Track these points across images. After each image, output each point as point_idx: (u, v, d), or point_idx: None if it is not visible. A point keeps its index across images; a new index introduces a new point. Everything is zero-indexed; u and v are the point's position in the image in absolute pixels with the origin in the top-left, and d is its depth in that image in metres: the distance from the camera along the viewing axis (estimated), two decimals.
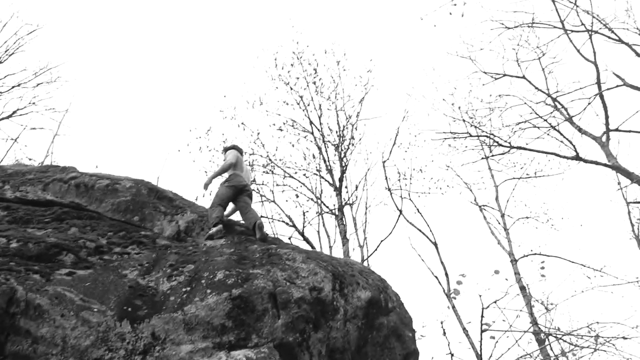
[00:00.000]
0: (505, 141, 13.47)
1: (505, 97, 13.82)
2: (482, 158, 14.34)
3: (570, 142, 12.07)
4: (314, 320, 3.98)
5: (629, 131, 12.94)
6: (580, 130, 13.68)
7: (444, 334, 6.64)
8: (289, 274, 4.10)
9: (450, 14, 9.94)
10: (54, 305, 3.45)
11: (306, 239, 14.39)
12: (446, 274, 14.82)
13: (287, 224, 14.48)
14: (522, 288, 15.16)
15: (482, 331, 6.56)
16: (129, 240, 4.49)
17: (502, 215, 17.14)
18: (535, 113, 12.89)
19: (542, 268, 9.96)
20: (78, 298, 3.59)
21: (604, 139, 13.13)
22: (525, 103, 13.15)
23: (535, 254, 16.16)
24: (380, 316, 4.69)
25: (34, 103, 17.17)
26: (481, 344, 6.66)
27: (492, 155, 13.99)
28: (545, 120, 12.62)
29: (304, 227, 14.40)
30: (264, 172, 15.61)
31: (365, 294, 4.55)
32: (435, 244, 15.50)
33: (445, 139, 14.38)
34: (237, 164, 5.68)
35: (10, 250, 3.89)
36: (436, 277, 14.37)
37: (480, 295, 6.08)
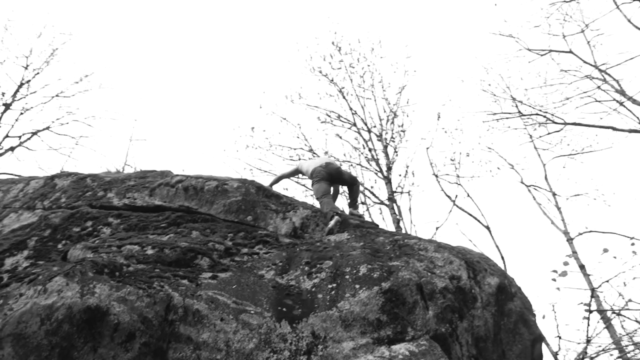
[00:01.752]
0: (559, 118, 13.23)
1: (562, 73, 13.54)
2: (538, 137, 14.09)
3: (634, 114, 11.79)
4: (459, 310, 3.91)
5: None
6: (634, 101, 13.35)
7: (555, 317, 6.52)
8: (426, 264, 4.03)
9: None
10: (212, 309, 3.43)
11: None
12: (502, 257, 14.61)
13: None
14: (582, 266, 14.92)
15: (589, 312, 6.43)
16: (252, 241, 4.47)
17: (554, 194, 16.82)
18: (598, 87, 12.60)
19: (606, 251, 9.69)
20: (231, 301, 3.56)
21: None
22: (578, 77, 12.85)
23: (590, 231, 15.87)
24: (508, 302, 4.61)
25: (71, 112, 17.24)
26: (588, 326, 6.53)
27: (548, 133, 13.74)
28: (606, 92, 12.34)
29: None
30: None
31: (494, 280, 4.47)
32: (488, 228, 15.28)
33: (497, 119, 14.17)
34: (298, 168, 6.42)
35: (150, 257, 3.88)
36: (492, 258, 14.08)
37: (589, 275, 5.93)
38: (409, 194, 15.45)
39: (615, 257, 7.25)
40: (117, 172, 6.60)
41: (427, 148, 15.71)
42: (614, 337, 11.26)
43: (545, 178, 17.03)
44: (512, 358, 4.52)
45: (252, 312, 3.55)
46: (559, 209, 16.35)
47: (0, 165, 16.16)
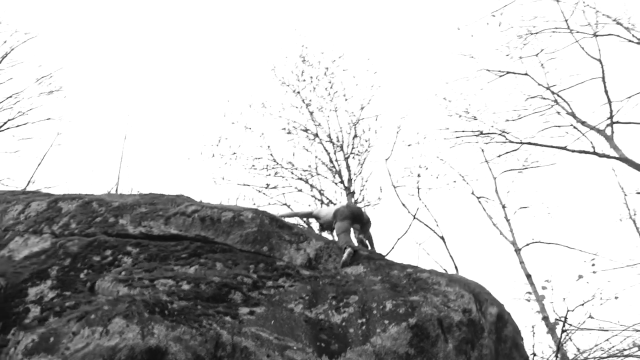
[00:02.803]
0: (516, 137, 14.12)
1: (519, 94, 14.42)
2: (498, 156, 14.94)
3: (587, 137, 12.76)
4: (471, 340, 4.36)
5: (634, 123, 13.64)
6: (583, 123, 14.37)
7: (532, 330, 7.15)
8: (441, 299, 4.46)
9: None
10: (258, 346, 3.73)
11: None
12: (455, 267, 15.39)
13: (306, 226, 14.72)
14: (528, 276, 15.83)
15: (563, 331, 7.09)
16: (274, 273, 4.77)
17: (503, 207, 17.75)
18: (551, 106, 13.53)
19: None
20: (273, 337, 3.87)
21: (608, 131, 13.82)
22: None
23: (536, 242, 16.90)
24: (504, 328, 5.11)
25: (25, 113, 16.76)
26: (560, 343, 7.19)
27: (506, 152, 14.61)
28: (559, 113, 13.30)
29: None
30: (268, 174, 15.77)
31: (494, 309, 4.96)
32: (442, 238, 16.04)
33: (458, 137, 14.93)
34: (314, 213, 6.99)
35: (190, 293, 4.12)
36: (445, 270, 14.90)
37: (564, 299, 6.59)
38: (370, 204, 15.94)
39: (587, 282, 7.99)
40: (118, 194, 6.68)
41: (387, 159, 16.27)
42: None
43: (496, 191, 17.97)
44: None
45: (294, 348, 3.86)
46: (507, 220, 17.30)
47: None
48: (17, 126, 16.19)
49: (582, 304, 7.07)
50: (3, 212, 6.39)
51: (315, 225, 7.68)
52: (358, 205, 6.90)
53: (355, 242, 6.01)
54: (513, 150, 13.84)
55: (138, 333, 3.53)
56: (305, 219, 7.96)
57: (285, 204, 15.39)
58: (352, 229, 6.07)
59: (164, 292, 4.22)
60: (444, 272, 5.23)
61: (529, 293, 12.81)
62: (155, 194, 6.13)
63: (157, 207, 5.74)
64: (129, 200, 6.02)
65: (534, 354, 7.30)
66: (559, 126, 13.58)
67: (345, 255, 5.22)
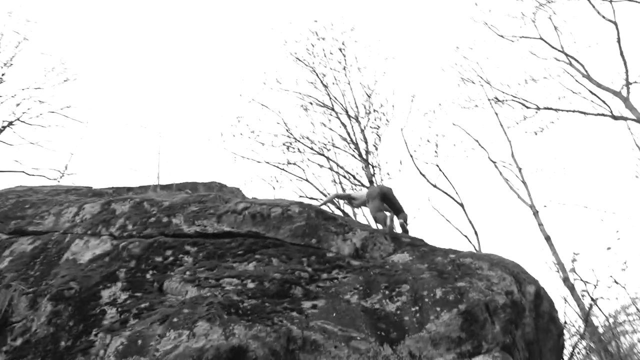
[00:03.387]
0: (533, 103, 14.29)
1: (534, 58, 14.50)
2: (516, 123, 15.12)
3: (604, 102, 12.93)
4: (514, 321, 4.74)
5: None
6: (599, 85, 14.49)
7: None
8: (485, 283, 4.83)
9: None
10: (326, 338, 4.13)
11: (345, 214, 15.10)
12: (475, 233, 15.76)
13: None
14: (547, 238, 16.19)
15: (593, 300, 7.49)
16: (327, 265, 5.15)
17: (519, 170, 17.99)
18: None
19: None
20: (337, 329, 4.27)
21: (624, 92, 13.96)
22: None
23: (554, 203, 17.18)
24: (541, 305, 5.48)
25: (43, 102, 16.99)
26: (588, 314, 7.60)
27: (525, 119, 14.80)
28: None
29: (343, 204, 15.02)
30: (286, 150, 16.06)
31: (532, 288, 5.33)
32: (461, 205, 16.40)
33: (475, 105, 15.12)
34: (351, 195, 7.77)
35: (257, 292, 4.51)
36: (465, 236, 15.30)
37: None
38: (388, 175, 16.27)
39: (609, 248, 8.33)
40: (165, 193, 7.03)
41: (402, 128, 16.50)
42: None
43: (512, 155, 18.23)
44: (546, 353, 5.44)
45: (358, 338, 4.26)
46: (524, 183, 17.60)
47: None
48: (37, 116, 16.49)
49: (611, 279, 7.42)
50: (57, 215, 6.78)
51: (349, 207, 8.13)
52: (386, 185, 7.47)
53: (395, 223, 6.39)
54: (531, 116, 14.00)
55: (221, 334, 3.93)
56: (342, 201, 8.33)
57: (306, 180, 15.74)
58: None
59: (233, 291, 4.60)
60: (483, 254, 5.58)
61: (555, 258, 13.13)
62: (203, 194, 6.48)
63: (207, 205, 6.09)
64: (177, 199, 6.37)
65: (565, 323, 7.72)
66: (573, 92, 13.72)
67: (388, 220, 5.67)
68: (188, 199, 6.31)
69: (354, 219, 6.42)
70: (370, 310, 4.67)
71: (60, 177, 14.33)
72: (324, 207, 7.19)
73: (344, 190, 14.64)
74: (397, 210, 6.68)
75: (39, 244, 6.33)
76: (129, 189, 9.27)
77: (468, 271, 5.06)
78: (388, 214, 6.65)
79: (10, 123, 16.59)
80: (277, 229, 5.69)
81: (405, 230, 6.30)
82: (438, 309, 4.54)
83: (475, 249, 15.06)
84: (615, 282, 8.29)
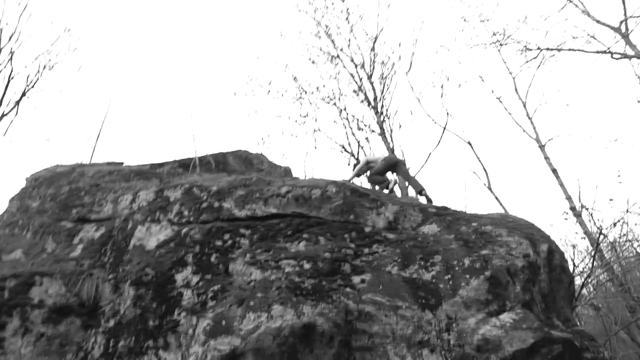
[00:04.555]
0: (534, 45, 14.71)
1: None
2: (520, 68, 15.58)
3: (598, 41, 13.36)
4: (532, 280, 5.62)
5: None
6: (597, 21, 14.87)
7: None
8: (505, 249, 5.68)
9: None
10: (377, 309, 5.03)
11: (358, 161, 15.86)
12: (484, 169, 16.60)
13: (342, 151, 15.83)
14: (554, 170, 17.04)
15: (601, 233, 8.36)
16: (366, 240, 5.98)
17: (524, 105, 18.58)
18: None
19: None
20: (385, 300, 5.15)
21: (622, 28, 14.37)
22: None
23: (558, 136, 17.93)
24: (553, 259, 6.36)
25: (51, 67, 17.36)
26: (597, 247, 8.49)
27: (527, 61, 15.25)
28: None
29: (358, 152, 15.79)
30: (297, 103, 16.64)
31: (545, 246, 6.18)
32: (469, 144, 17.15)
33: (476, 45, 15.54)
34: (371, 161, 8.93)
35: (313, 272, 5.37)
36: (474, 172, 16.14)
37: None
38: (399, 125, 16.88)
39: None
40: (210, 177, 7.78)
41: (407, 72, 16.99)
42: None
43: (515, 90, 18.77)
44: (559, 300, 6.37)
45: (403, 307, 5.16)
46: (529, 118, 18.25)
47: None
48: (51, 86, 16.91)
49: (617, 222, 8.27)
50: (114, 202, 7.58)
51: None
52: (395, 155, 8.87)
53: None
54: (533, 58, 14.47)
55: (294, 314, 4.82)
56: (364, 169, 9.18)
57: (318, 129, 16.38)
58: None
59: (293, 273, 5.47)
60: (500, 219, 6.39)
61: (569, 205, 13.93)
62: (243, 177, 7.22)
63: (252, 189, 6.87)
64: (223, 183, 7.14)
65: (574, 265, 8.67)
66: (576, 33, 14.06)
67: (391, 185, 6.67)
68: (233, 182, 7.07)
69: (384, 193, 7.21)
70: (410, 280, 5.55)
71: (91, 157, 14.99)
72: (356, 181, 8.03)
73: (358, 153, 15.37)
74: (408, 181, 7.58)
75: (104, 231, 7.17)
76: (161, 165, 10.04)
77: (490, 239, 5.89)
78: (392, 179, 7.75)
79: (24, 93, 17.06)
80: (318, 208, 6.48)
81: (429, 200, 7.16)
82: (467, 276, 5.41)
83: (486, 185, 15.90)
84: (611, 198, 9.17)
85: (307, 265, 5.61)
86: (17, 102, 16.76)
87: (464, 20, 17.15)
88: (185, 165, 9.80)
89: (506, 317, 5.18)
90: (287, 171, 10.88)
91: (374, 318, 5.08)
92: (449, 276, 5.47)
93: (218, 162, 9.99)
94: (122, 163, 10.84)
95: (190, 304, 5.60)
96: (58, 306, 5.88)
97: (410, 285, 5.47)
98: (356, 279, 5.49)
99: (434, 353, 4.99)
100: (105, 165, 10.37)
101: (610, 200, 9.65)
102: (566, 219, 14.20)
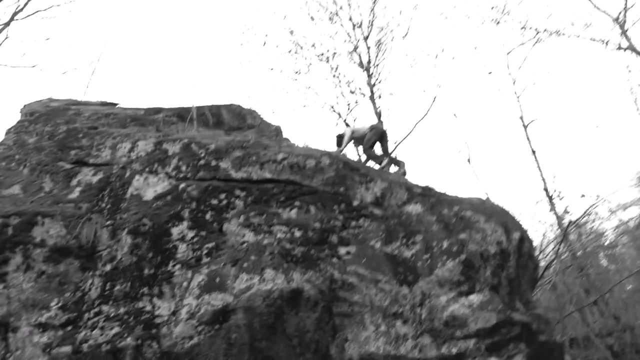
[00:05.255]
0: (535, 28, 14.98)
1: None
2: (517, 46, 15.81)
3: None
4: (501, 265, 6.17)
5: None
6: (597, 8, 15.15)
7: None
8: (481, 235, 6.20)
9: None
10: (359, 281, 5.56)
11: (347, 124, 16.17)
12: (466, 143, 17.13)
13: (332, 111, 16.09)
14: (533, 152, 17.58)
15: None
16: (354, 214, 6.42)
17: (513, 82, 18.95)
18: None
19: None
20: (367, 272, 5.67)
21: (621, 18, 14.70)
22: None
23: (541, 117, 18.45)
24: (523, 246, 6.91)
25: None
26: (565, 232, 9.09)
27: (522, 44, 15.52)
28: None
29: (347, 114, 16.07)
30: (291, 57, 16.71)
31: (517, 234, 6.72)
32: (455, 115, 17.59)
33: (478, 19, 15.73)
34: (355, 130, 9.45)
35: (304, 240, 5.83)
36: (457, 145, 16.73)
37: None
38: (388, 91, 17.07)
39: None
40: (208, 134, 8.04)
41: (404, 37, 17.15)
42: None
43: (507, 66, 19.10)
44: (523, 284, 6.96)
45: (383, 280, 5.66)
46: (517, 96, 18.68)
47: None
48: (45, 9, 16.61)
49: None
50: (113, 149, 7.83)
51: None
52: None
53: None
54: (529, 40, 14.74)
55: (284, 280, 5.29)
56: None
57: (309, 87, 16.55)
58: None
59: (285, 239, 5.89)
60: (480, 205, 6.85)
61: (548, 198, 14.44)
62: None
63: (249, 151, 7.18)
64: (221, 143, 7.43)
65: (542, 250, 9.28)
66: (575, 20, 14.33)
67: (384, 163, 7.22)
68: (231, 143, 7.36)
69: (374, 168, 7.61)
70: (391, 255, 6.03)
71: (85, 93, 14.93)
72: (346, 154, 8.39)
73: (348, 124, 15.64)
74: (386, 151, 8.22)
75: (102, 176, 7.46)
76: (157, 111, 10.23)
77: (468, 224, 6.38)
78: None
79: (14, 15, 16.72)
80: (311, 178, 6.85)
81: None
82: (444, 257, 5.92)
83: (467, 159, 16.43)
84: (583, 195, 9.78)
85: (297, 233, 6.03)
86: (7, 24, 16.43)
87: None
88: (180, 115, 9.99)
89: (474, 298, 5.73)
90: (278, 130, 11.15)
91: (356, 288, 5.57)
92: (428, 256, 5.97)
93: (213, 115, 10.20)
94: (117, 104, 10.95)
95: (185, 258, 6.01)
96: (58, 247, 6.23)
97: (391, 260, 5.95)
98: (342, 250, 5.95)
99: (406, 324, 5.53)
100: (99, 105, 10.49)
101: (582, 196, 10.23)
102: (538, 202, 14.86)
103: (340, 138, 9.65)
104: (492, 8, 16.75)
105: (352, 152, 12.84)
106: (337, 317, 5.50)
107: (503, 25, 16.15)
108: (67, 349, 5.42)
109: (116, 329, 5.53)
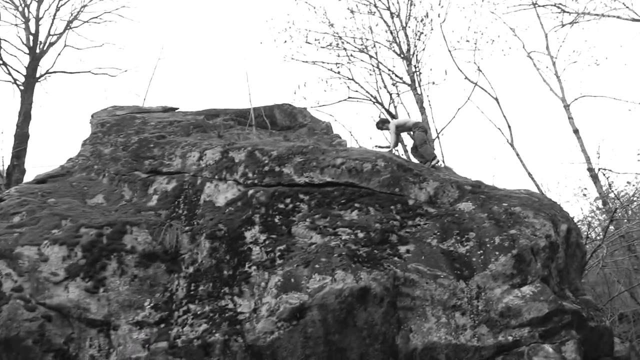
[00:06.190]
0: (571, 8, 15.00)
1: None
2: (554, 30, 15.86)
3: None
4: (551, 257, 6.62)
5: None
6: None
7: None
8: (531, 230, 6.65)
9: None
10: (420, 277, 6.11)
11: (390, 114, 16.57)
12: (509, 126, 17.33)
13: (374, 102, 16.51)
14: (576, 131, 17.64)
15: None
16: (410, 213, 6.96)
17: (554, 63, 18.90)
18: None
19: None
20: (427, 269, 6.22)
21: None
22: None
23: (585, 96, 18.45)
24: (570, 236, 7.33)
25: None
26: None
27: (562, 25, 15.55)
28: None
29: (389, 104, 16.46)
30: (331, 49, 17.12)
31: (564, 226, 7.15)
32: (496, 100, 17.77)
33: (515, 11, 15.82)
34: (399, 125, 9.69)
35: (367, 241, 6.42)
36: (499, 128, 16.87)
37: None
38: (430, 80, 17.31)
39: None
40: (270, 140, 8.67)
41: (441, 23, 17.36)
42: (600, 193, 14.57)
43: (547, 47, 19.07)
44: (572, 272, 7.41)
45: (442, 275, 6.21)
46: (557, 77, 18.68)
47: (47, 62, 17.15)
48: (97, 16, 17.50)
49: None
50: (183, 157, 8.56)
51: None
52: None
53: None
54: (569, 23, 14.79)
55: (353, 279, 5.90)
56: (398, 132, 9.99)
57: (352, 79, 16.98)
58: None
59: (350, 241, 6.50)
60: (528, 199, 7.29)
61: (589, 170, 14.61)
62: (300, 145, 8.12)
63: (309, 157, 7.78)
64: (282, 149, 8.05)
65: (589, 225, 9.59)
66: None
67: (434, 162, 7.67)
68: (291, 149, 7.98)
69: (426, 168, 8.10)
70: (447, 252, 6.57)
71: (144, 101, 15.77)
72: (396, 152, 8.90)
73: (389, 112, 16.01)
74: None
75: (176, 184, 8.20)
76: (214, 115, 10.92)
77: (518, 220, 6.84)
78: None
79: (70, 23, 17.65)
80: (368, 180, 7.42)
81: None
82: (497, 252, 6.41)
83: (508, 141, 16.65)
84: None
85: (360, 235, 6.63)
86: (67, 27, 17.35)
87: None
88: (238, 117, 10.69)
89: (527, 290, 6.23)
90: (328, 126, 11.72)
91: (417, 284, 6.14)
92: (481, 251, 6.48)
93: (267, 116, 10.85)
94: (176, 108, 11.72)
95: (260, 259, 6.68)
96: (146, 252, 6.99)
97: (447, 257, 6.49)
98: (402, 249, 6.52)
99: (464, 316, 6.09)
100: (161, 112, 11.27)
101: (628, 184, 10.46)
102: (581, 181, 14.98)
103: (381, 123, 10.37)
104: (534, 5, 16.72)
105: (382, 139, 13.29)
106: (401, 311, 6.09)
107: (541, 8, 16.17)
108: (163, 344, 6.16)
109: (204, 326, 6.24)
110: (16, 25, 16.61)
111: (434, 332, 5.94)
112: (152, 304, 6.60)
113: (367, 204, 7.12)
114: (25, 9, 16.86)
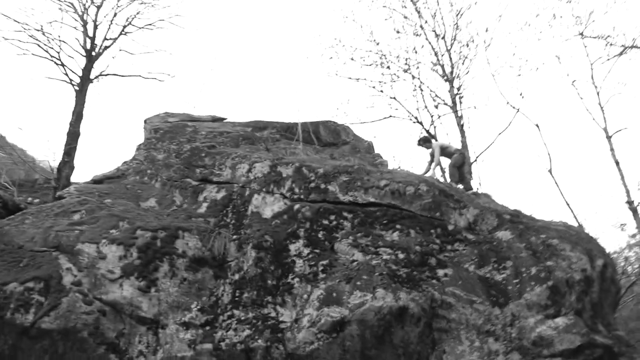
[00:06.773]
0: (619, 42, 15.06)
1: None
2: (602, 63, 15.94)
3: None
4: (585, 291, 6.80)
5: None
6: None
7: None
8: (567, 262, 6.84)
9: None
10: (457, 301, 6.35)
11: (430, 134, 16.79)
12: (548, 154, 17.37)
13: (415, 122, 16.78)
14: (617, 163, 17.54)
15: None
16: (449, 238, 7.22)
17: (597, 93, 18.86)
18: None
19: None
20: (463, 294, 6.46)
21: None
22: None
23: (627, 128, 18.32)
24: (606, 271, 7.47)
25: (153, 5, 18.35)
26: None
27: (608, 59, 15.63)
28: None
29: (430, 124, 16.70)
30: (375, 67, 17.46)
31: (601, 261, 7.30)
32: (537, 126, 17.82)
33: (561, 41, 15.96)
34: (444, 147, 9.82)
35: (407, 262, 6.69)
36: (539, 155, 16.90)
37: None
38: (472, 104, 17.52)
39: None
40: (316, 157, 9.06)
41: (486, 47, 17.54)
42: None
43: (591, 77, 19.06)
44: (605, 307, 7.54)
45: (478, 301, 6.45)
46: (601, 107, 18.64)
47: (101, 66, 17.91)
48: (149, 24, 18.23)
49: None
50: (233, 169, 9.00)
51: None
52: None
53: None
54: (615, 56, 14.85)
55: (392, 298, 6.20)
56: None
57: (394, 98, 17.30)
58: None
59: (391, 261, 6.80)
60: (565, 232, 7.48)
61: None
62: (353, 167, 8.48)
63: (354, 176, 8.13)
64: (328, 167, 8.42)
65: (626, 259, 9.66)
66: None
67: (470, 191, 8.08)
68: (337, 167, 8.34)
69: (467, 195, 8.35)
70: (484, 278, 6.82)
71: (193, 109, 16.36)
72: (438, 175, 9.19)
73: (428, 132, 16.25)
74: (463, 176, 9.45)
75: (225, 193, 8.63)
76: (261, 128, 11.37)
77: (555, 252, 7.04)
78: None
79: (124, 28, 18.41)
80: (410, 203, 7.72)
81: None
82: (532, 282, 6.63)
83: (548, 170, 16.69)
84: None
85: (401, 255, 6.93)
86: (121, 32, 18.10)
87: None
88: (284, 130, 11.13)
89: (560, 321, 6.43)
90: (370, 145, 12.07)
91: (453, 307, 6.41)
92: (517, 280, 6.71)
93: (313, 132, 11.26)
94: (225, 118, 12.23)
95: (303, 272, 7.03)
96: (196, 257, 7.41)
97: (483, 283, 6.74)
98: (440, 272, 6.79)
99: (497, 341, 6.32)
100: (211, 121, 11.78)
101: None
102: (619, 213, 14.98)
103: (423, 141, 10.61)
104: (576, 18, 16.86)
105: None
106: (436, 332, 6.36)
107: (587, 38, 16.25)
108: (208, 346, 6.54)
109: (247, 331, 6.61)
110: (75, 28, 17.41)
111: (467, 355, 6.19)
112: (199, 307, 6.99)
113: (408, 226, 7.41)
114: (85, 13, 17.67)
